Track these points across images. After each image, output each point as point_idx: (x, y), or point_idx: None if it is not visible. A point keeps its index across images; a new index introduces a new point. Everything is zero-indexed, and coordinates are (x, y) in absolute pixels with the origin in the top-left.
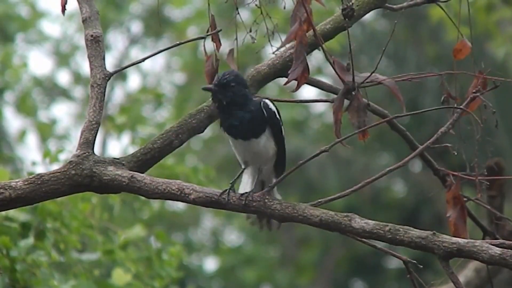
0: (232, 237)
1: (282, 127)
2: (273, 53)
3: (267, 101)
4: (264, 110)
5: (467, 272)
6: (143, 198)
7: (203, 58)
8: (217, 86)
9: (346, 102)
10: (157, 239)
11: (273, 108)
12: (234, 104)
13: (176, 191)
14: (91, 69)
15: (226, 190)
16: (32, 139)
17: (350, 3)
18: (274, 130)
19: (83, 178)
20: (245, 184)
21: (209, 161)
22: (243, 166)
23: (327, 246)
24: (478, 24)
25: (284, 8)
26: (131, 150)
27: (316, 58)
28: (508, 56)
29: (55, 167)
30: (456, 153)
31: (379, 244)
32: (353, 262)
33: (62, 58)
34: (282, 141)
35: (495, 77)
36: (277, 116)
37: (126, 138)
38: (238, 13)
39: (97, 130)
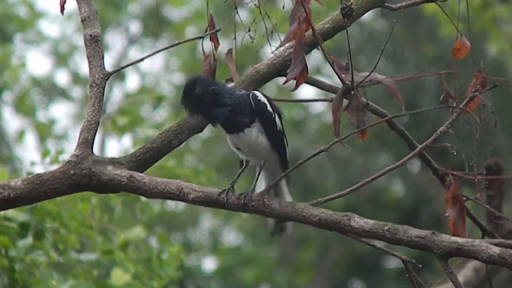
0: (231, 237)
1: (277, 119)
2: (272, 52)
3: (256, 92)
4: (252, 102)
5: (466, 271)
6: (143, 199)
7: (202, 58)
8: (184, 101)
9: (345, 101)
10: (158, 241)
11: (263, 100)
12: (208, 107)
13: (175, 190)
14: (90, 69)
15: (225, 189)
16: (30, 139)
17: (349, 3)
18: (264, 122)
19: (82, 178)
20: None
21: (208, 161)
22: (244, 163)
23: (326, 246)
24: (475, 22)
25: (283, 7)
26: (132, 151)
27: (314, 58)
28: (503, 54)
29: (54, 167)
30: (455, 153)
31: (378, 244)
32: (351, 262)
33: (61, 58)
34: (278, 134)
35: (494, 77)
36: (269, 108)
37: (126, 139)
38: (237, 12)
39: (96, 130)
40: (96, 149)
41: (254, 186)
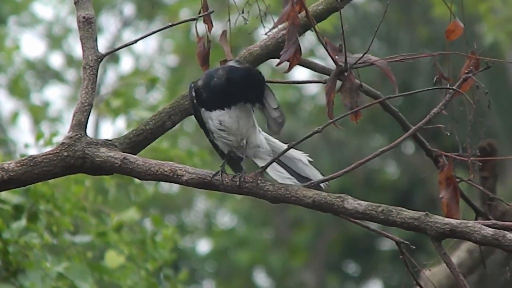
0: (225, 219)
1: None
2: (266, 34)
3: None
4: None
5: (460, 253)
6: (137, 181)
7: (195, 40)
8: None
9: (339, 83)
10: (153, 223)
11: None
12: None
13: (169, 172)
14: (83, 51)
15: (218, 171)
16: (24, 121)
17: None
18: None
19: (75, 160)
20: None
21: (202, 143)
22: (226, 152)
23: (320, 228)
24: (468, 4)
25: None
26: (126, 133)
27: (308, 40)
28: (497, 40)
29: (47, 149)
30: (448, 134)
31: (372, 225)
32: (346, 244)
33: (55, 41)
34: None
35: (487, 58)
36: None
37: (120, 121)
38: None
39: (90, 112)
40: (90, 131)
41: (244, 167)
